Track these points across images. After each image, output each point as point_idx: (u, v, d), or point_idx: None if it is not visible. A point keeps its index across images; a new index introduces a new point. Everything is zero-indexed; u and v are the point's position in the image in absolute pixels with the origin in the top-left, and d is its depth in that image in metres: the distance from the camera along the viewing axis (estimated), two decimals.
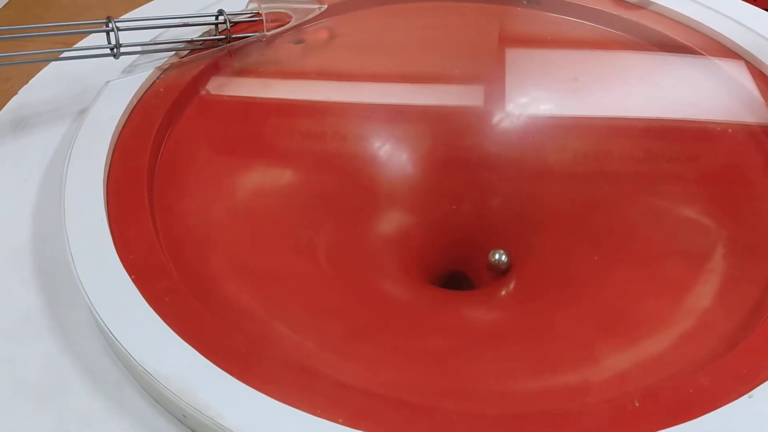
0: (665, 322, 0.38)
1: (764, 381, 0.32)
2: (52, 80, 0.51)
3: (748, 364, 0.33)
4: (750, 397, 0.31)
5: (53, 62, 0.50)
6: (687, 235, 0.44)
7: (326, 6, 0.55)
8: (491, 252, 0.49)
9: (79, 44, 0.52)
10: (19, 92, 0.50)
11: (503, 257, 0.49)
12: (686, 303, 0.39)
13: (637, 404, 0.31)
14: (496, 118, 0.54)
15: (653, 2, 0.57)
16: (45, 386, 0.34)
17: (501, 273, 0.49)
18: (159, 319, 0.34)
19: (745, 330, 0.35)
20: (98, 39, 0.49)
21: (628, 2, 0.58)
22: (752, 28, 0.53)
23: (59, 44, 0.54)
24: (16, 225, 0.41)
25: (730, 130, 0.48)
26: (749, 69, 0.51)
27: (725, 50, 0.53)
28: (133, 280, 0.36)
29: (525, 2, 0.60)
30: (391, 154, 0.52)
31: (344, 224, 0.47)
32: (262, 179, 0.48)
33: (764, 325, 0.35)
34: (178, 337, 0.33)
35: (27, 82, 0.51)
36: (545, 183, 0.50)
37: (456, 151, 0.52)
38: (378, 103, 0.54)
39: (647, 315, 0.39)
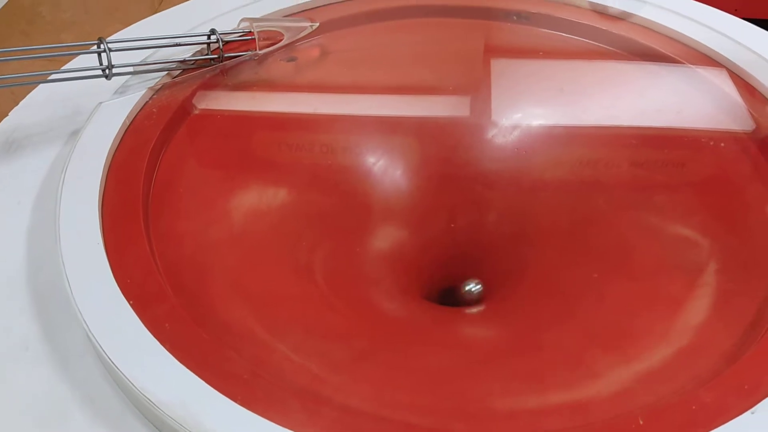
0: (665, 337, 0.38)
1: (766, 396, 0.32)
2: (43, 101, 0.50)
3: (749, 379, 0.33)
4: (752, 413, 0.31)
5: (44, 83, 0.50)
6: (683, 250, 0.44)
7: (318, 24, 0.55)
8: (465, 283, 0.49)
9: (71, 65, 0.51)
10: (9, 114, 0.49)
11: (475, 287, 0.49)
12: (685, 318, 0.39)
13: (641, 422, 0.31)
14: (488, 132, 0.54)
15: (633, 14, 0.57)
16: (44, 414, 0.33)
17: (473, 303, 0.49)
18: (159, 344, 0.34)
19: (745, 344, 0.36)
20: (88, 58, 0.49)
21: (609, 15, 0.58)
22: (732, 37, 0.54)
23: (49, 63, 0.53)
24: (9, 249, 0.41)
25: (716, 139, 0.49)
26: (731, 77, 0.52)
27: (706, 59, 0.53)
28: (131, 305, 0.35)
29: (514, 18, 0.60)
30: (386, 171, 0.52)
31: (341, 243, 0.47)
32: (258, 199, 0.47)
33: (763, 339, 0.35)
34: (179, 363, 0.33)
35: (13, 103, 0.50)
36: (540, 197, 0.51)
37: (450, 168, 0.52)
38: (372, 117, 0.54)
39: (647, 331, 0.39)
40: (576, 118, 0.55)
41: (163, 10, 0.60)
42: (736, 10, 1.37)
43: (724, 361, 0.35)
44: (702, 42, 0.54)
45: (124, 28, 0.57)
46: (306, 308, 0.41)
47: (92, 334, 0.34)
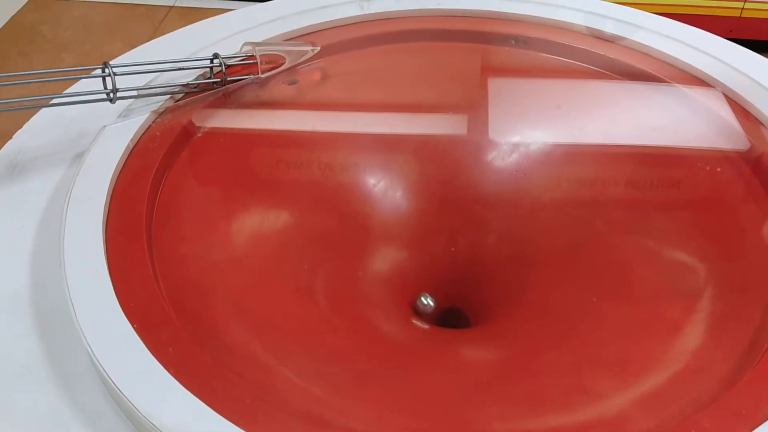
0: (663, 361, 0.38)
1: (764, 421, 0.32)
2: (47, 124, 0.51)
3: (747, 404, 0.33)
4: None
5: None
6: (680, 274, 0.44)
7: (319, 48, 0.56)
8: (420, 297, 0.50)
9: (75, 88, 0.52)
10: (14, 136, 0.50)
11: (429, 301, 0.49)
12: (683, 342, 0.40)
13: None
14: (486, 154, 0.55)
15: (628, 38, 0.58)
16: None
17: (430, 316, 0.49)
18: (162, 368, 0.34)
19: (742, 369, 0.36)
20: (92, 81, 0.49)
21: (605, 39, 0.59)
22: (725, 61, 0.54)
23: (53, 83, 0.54)
24: (14, 272, 0.41)
25: (711, 160, 0.50)
26: (724, 98, 0.53)
27: (701, 82, 0.54)
28: (135, 329, 0.35)
29: (513, 42, 0.61)
30: (386, 193, 0.52)
31: (342, 264, 0.47)
32: (260, 221, 0.48)
33: (761, 363, 0.36)
34: (182, 387, 0.33)
35: (15, 125, 0.51)
36: (539, 219, 0.51)
37: (450, 189, 0.53)
38: (372, 137, 0.55)
39: (645, 355, 0.39)
40: (573, 139, 0.55)
41: (164, 28, 0.60)
42: (731, 30, 1.39)
43: (722, 386, 0.35)
44: (695, 66, 0.55)
45: (124, 46, 0.58)
46: (307, 330, 0.41)
47: (96, 358, 0.34)
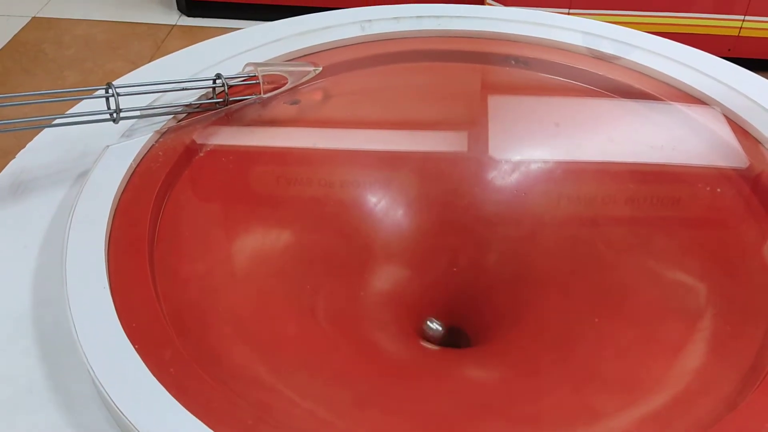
0: (665, 382, 0.38)
1: None
2: (50, 144, 0.51)
3: (750, 425, 0.33)
4: None
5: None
6: (681, 293, 0.44)
7: (321, 68, 0.56)
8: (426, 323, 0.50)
9: (78, 108, 0.52)
10: (17, 156, 0.50)
11: (436, 325, 0.49)
12: (685, 363, 0.40)
13: None
14: (488, 172, 0.55)
15: (624, 57, 0.59)
16: None
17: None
18: (164, 390, 0.34)
19: (745, 389, 0.36)
20: (95, 101, 0.49)
21: (604, 59, 0.59)
22: (722, 81, 0.55)
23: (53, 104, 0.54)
24: (16, 292, 0.41)
25: (710, 178, 0.50)
26: (723, 117, 0.53)
27: (699, 101, 0.54)
28: (137, 350, 0.35)
29: (513, 62, 0.61)
30: (388, 213, 0.52)
31: (344, 284, 0.47)
32: (262, 241, 0.48)
33: (764, 383, 0.36)
34: (184, 409, 0.33)
35: (17, 145, 0.51)
36: (539, 239, 0.51)
37: (451, 209, 0.53)
38: (374, 157, 0.55)
39: (647, 375, 0.39)
40: (573, 158, 0.56)
41: (166, 47, 0.61)
42: (729, 50, 1.40)
43: (724, 406, 0.35)
44: (693, 86, 0.55)
45: (126, 64, 0.58)
46: (309, 351, 0.41)
47: (97, 379, 0.34)
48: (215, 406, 0.33)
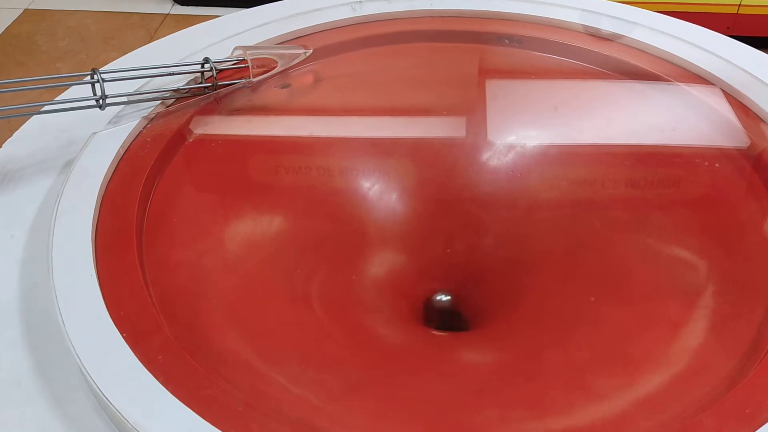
0: (664, 361, 0.38)
1: (766, 421, 0.32)
2: (37, 132, 0.50)
3: (749, 403, 0.33)
4: None
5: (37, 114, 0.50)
6: (679, 272, 0.44)
7: (311, 50, 0.55)
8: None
9: (64, 95, 0.51)
10: (2, 146, 0.49)
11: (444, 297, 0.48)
12: (684, 342, 0.39)
13: None
14: (484, 154, 0.54)
15: (623, 35, 0.57)
16: None
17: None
18: (153, 378, 0.33)
19: (745, 368, 0.35)
20: (82, 89, 0.49)
21: (602, 37, 0.58)
22: (723, 57, 0.54)
23: (45, 92, 0.53)
24: (3, 282, 0.40)
25: (710, 157, 0.49)
26: (724, 96, 0.52)
27: (699, 78, 0.53)
28: (124, 338, 0.35)
29: (506, 41, 0.60)
30: (382, 196, 0.51)
31: (337, 270, 0.46)
32: (253, 227, 0.47)
33: (763, 362, 0.35)
34: (173, 396, 0.32)
35: (8, 134, 0.50)
36: (536, 220, 0.51)
37: (446, 191, 0.52)
38: (367, 140, 0.54)
39: (646, 355, 0.39)
40: (571, 138, 0.55)
41: (159, 36, 0.60)
42: (728, 27, 1.38)
43: (724, 385, 0.35)
44: (694, 62, 0.54)
45: (119, 55, 0.57)
46: (301, 336, 0.41)
47: (85, 368, 0.34)
48: (205, 393, 0.33)
